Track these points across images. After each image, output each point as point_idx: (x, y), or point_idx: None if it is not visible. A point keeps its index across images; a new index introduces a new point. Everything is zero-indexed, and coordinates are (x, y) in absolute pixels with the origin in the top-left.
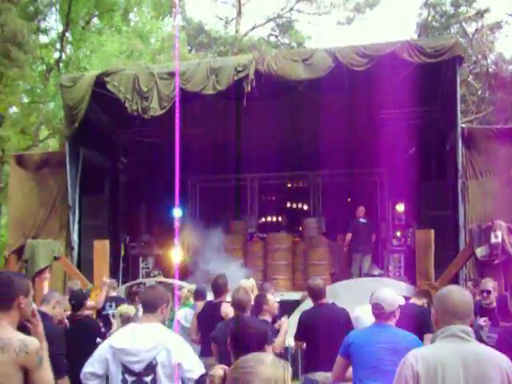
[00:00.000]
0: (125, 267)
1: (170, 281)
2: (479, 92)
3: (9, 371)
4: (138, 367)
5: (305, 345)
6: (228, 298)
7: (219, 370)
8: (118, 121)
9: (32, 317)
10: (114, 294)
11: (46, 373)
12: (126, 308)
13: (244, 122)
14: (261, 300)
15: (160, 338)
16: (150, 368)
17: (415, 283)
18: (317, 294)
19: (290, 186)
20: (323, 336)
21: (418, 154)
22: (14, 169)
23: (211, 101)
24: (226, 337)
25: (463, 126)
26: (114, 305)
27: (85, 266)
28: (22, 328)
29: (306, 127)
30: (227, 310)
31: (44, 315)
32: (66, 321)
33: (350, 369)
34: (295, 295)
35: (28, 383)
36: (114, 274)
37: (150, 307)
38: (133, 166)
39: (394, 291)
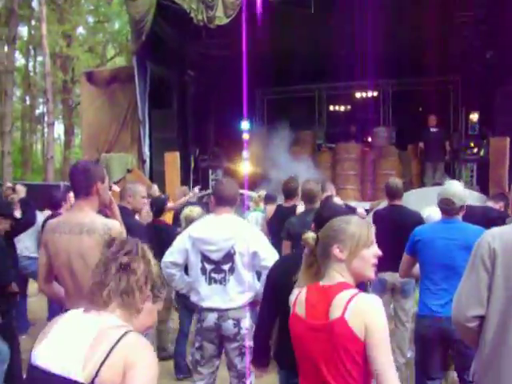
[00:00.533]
0: (195, 179)
1: (240, 191)
2: None
3: (95, 252)
4: (216, 256)
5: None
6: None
7: (311, 232)
8: (184, 33)
9: (110, 203)
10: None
11: None
12: (190, 210)
13: (311, 30)
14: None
15: (237, 228)
16: (229, 256)
17: (488, 193)
18: (393, 193)
19: (359, 95)
20: (393, 235)
21: (495, 59)
22: (84, 86)
23: (278, 9)
24: (301, 229)
25: None
26: None
27: (156, 178)
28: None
29: (377, 34)
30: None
31: (123, 209)
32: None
33: (417, 266)
34: (364, 205)
35: None
36: (184, 185)
37: (227, 200)
38: (200, 78)
39: (462, 185)
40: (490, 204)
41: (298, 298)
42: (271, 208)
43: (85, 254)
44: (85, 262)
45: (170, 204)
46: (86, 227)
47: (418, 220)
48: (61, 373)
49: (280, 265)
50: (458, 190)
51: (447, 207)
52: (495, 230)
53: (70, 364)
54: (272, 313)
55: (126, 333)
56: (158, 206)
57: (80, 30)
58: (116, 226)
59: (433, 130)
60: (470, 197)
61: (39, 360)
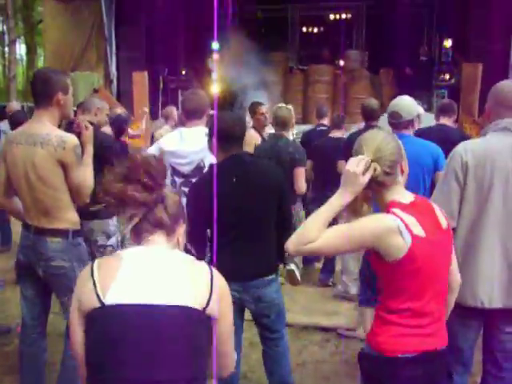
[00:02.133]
0: (164, 100)
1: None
2: None
3: (48, 165)
4: (186, 169)
5: None
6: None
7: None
8: None
9: (79, 123)
10: (170, 123)
11: (85, 171)
12: (159, 134)
13: None
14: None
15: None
16: (198, 169)
17: (458, 119)
18: (369, 114)
19: (332, 17)
20: None
21: None
22: (47, 1)
23: None
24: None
25: None
26: None
27: (124, 98)
28: (69, 130)
29: None
30: None
31: (91, 124)
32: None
33: None
34: None
35: (67, 179)
36: (153, 106)
37: (196, 113)
38: None
39: (413, 100)
40: (445, 121)
41: (406, 221)
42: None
43: (37, 165)
44: (38, 174)
45: (132, 131)
46: (40, 139)
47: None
48: (170, 302)
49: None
50: (405, 103)
51: (394, 121)
52: (468, 143)
53: (178, 293)
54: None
55: (208, 264)
56: (118, 125)
57: None
58: (71, 140)
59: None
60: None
61: (128, 299)
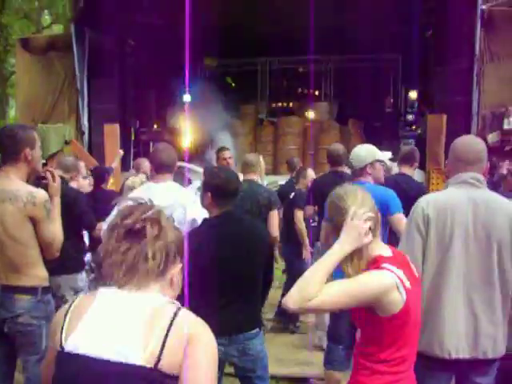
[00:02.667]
0: (135, 152)
1: (180, 164)
2: None
3: (18, 221)
4: None
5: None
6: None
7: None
8: (125, 2)
9: (48, 172)
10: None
11: (54, 225)
12: (131, 181)
13: (256, 2)
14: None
15: (176, 196)
16: None
17: (424, 168)
18: (334, 159)
19: (301, 70)
20: None
21: (434, 38)
22: (19, 53)
23: None
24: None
25: (483, 7)
26: None
27: (96, 150)
28: (38, 184)
29: (319, 9)
30: None
31: (61, 179)
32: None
33: None
34: None
35: (36, 234)
36: (124, 158)
37: (164, 167)
38: (141, 48)
39: (369, 149)
40: (406, 169)
41: (400, 277)
42: None
43: (6, 221)
44: (6, 231)
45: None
46: (9, 195)
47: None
48: (117, 359)
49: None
50: (357, 152)
51: (350, 169)
52: (429, 196)
53: (126, 347)
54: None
55: (179, 308)
56: (99, 175)
57: None
58: (41, 195)
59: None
60: (411, 173)
61: (82, 348)
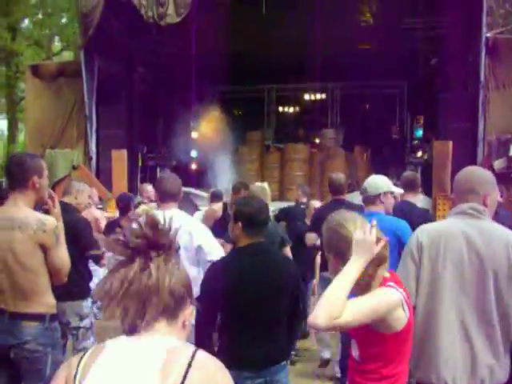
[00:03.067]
0: (142, 177)
1: (187, 189)
2: (507, 5)
3: (29, 249)
4: None
5: (319, 241)
6: None
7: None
8: (133, 29)
9: (49, 198)
10: (145, 200)
11: (63, 251)
12: (143, 208)
13: (263, 30)
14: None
15: (182, 222)
16: None
17: (431, 195)
18: (336, 188)
19: (308, 97)
20: None
21: (440, 65)
22: (30, 80)
23: (229, 8)
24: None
25: (488, 35)
26: None
27: (103, 175)
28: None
29: (325, 38)
30: None
31: (67, 205)
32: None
33: None
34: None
35: (46, 260)
36: (131, 183)
37: (172, 196)
38: (150, 75)
39: (384, 178)
40: (410, 197)
41: (404, 295)
42: (217, 205)
43: (15, 249)
44: (16, 258)
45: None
46: (18, 223)
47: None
48: None
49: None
50: (373, 179)
51: (362, 195)
52: (427, 225)
53: None
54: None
55: (195, 351)
56: (125, 202)
57: (26, 23)
58: (51, 222)
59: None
60: (415, 199)
61: None
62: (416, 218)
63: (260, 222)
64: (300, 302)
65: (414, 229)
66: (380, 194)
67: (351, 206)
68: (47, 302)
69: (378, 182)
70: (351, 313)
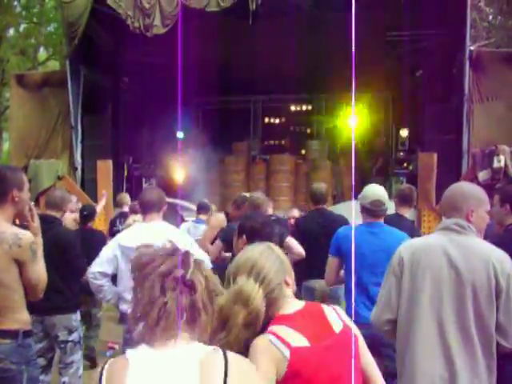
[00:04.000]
0: (128, 187)
1: (173, 200)
2: (490, 18)
3: (2, 264)
4: None
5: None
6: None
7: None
8: (120, 39)
9: (29, 211)
10: (126, 209)
11: (39, 266)
12: (133, 219)
13: (249, 42)
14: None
15: (168, 235)
16: None
17: (416, 206)
18: (317, 198)
19: (293, 109)
20: (318, 240)
21: (424, 78)
22: (14, 89)
23: (216, 20)
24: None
25: (471, 48)
26: (123, 220)
27: (88, 186)
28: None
29: (311, 49)
30: None
31: (52, 218)
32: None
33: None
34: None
35: (21, 276)
36: (116, 194)
37: (154, 207)
38: (135, 86)
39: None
40: (404, 211)
41: (279, 334)
42: (205, 217)
43: None
44: None
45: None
46: None
47: (344, 223)
48: None
49: None
50: (383, 192)
51: (376, 208)
52: (409, 241)
53: None
54: None
55: (224, 354)
56: (88, 213)
57: (11, 32)
58: (27, 237)
59: None
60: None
61: None
62: (404, 230)
63: (263, 236)
64: None
65: None
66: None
67: (331, 216)
68: (21, 319)
69: (385, 196)
70: None
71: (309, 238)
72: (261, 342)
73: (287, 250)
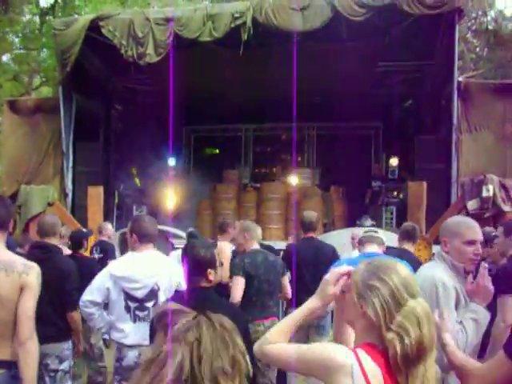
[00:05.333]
0: (119, 214)
1: (163, 228)
2: (477, 49)
3: (11, 291)
4: (140, 293)
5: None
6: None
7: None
8: (112, 67)
9: None
10: (104, 238)
11: (35, 302)
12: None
13: (240, 71)
14: None
15: (160, 265)
16: (152, 293)
17: None
18: (307, 226)
19: (284, 137)
20: (309, 269)
21: (414, 108)
22: (6, 114)
23: (208, 49)
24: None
25: (460, 79)
26: (99, 249)
27: (79, 212)
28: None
29: (303, 78)
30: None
31: (54, 248)
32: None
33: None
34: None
35: (20, 306)
36: (107, 221)
37: (149, 237)
38: (127, 113)
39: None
40: (409, 246)
41: (364, 366)
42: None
43: (1, 292)
44: (0, 301)
45: None
46: (2, 265)
47: (333, 251)
48: None
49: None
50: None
51: (367, 234)
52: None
53: None
54: None
55: None
56: (77, 239)
57: (4, 58)
58: (35, 267)
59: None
60: (391, 238)
61: None
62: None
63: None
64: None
65: None
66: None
67: (321, 244)
68: (15, 349)
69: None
70: (280, 349)
71: (300, 266)
72: (342, 360)
73: (282, 287)
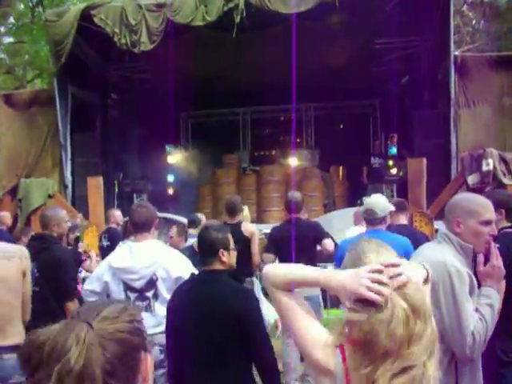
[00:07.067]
0: (119, 204)
1: (165, 215)
2: (473, 22)
3: (19, 280)
4: (139, 284)
5: (277, 260)
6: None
7: None
8: (106, 56)
9: None
10: (113, 225)
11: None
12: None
13: (236, 54)
14: None
15: (158, 254)
16: (151, 283)
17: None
18: (292, 207)
19: (283, 119)
20: (294, 249)
21: (411, 84)
22: (2, 108)
23: (202, 34)
24: None
25: (456, 53)
26: (107, 236)
27: (79, 203)
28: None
29: (298, 59)
30: (248, 228)
31: (52, 238)
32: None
33: None
34: None
35: (24, 288)
36: (108, 210)
37: (144, 226)
38: (124, 102)
39: (385, 198)
40: (403, 219)
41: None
42: (194, 231)
43: (7, 277)
44: (8, 286)
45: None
46: (1, 252)
47: (319, 229)
48: None
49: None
50: (380, 200)
51: (370, 217)
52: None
53: None
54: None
55: None
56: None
57: None
58: (26, 250)
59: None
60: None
61: None
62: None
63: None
64: (259, 349)
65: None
66: (386, 215)
67: (306, 224)
68: (22, 331)
69: (385, 204)
70: (285, 301)
71: (283, 247)
72: (325, 360)
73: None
